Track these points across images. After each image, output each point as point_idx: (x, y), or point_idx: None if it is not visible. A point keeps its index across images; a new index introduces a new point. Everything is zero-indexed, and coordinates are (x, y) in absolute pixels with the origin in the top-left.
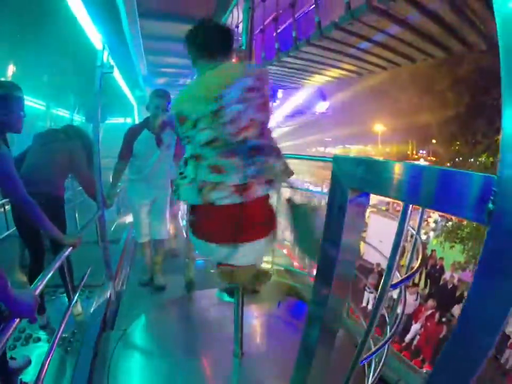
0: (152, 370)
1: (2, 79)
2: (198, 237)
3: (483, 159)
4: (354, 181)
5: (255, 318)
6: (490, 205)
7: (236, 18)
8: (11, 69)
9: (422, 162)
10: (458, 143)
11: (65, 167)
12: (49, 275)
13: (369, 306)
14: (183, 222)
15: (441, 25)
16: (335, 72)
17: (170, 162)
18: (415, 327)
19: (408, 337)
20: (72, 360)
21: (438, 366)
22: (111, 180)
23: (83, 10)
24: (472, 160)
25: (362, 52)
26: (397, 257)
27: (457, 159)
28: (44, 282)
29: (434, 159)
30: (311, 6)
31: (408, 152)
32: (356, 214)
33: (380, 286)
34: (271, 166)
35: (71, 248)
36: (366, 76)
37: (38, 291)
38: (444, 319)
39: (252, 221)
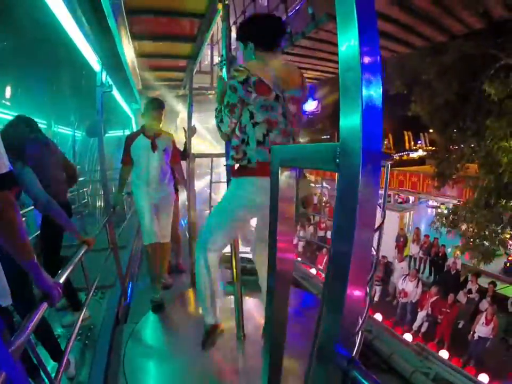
0: (163, 357)
1: (4, 101)
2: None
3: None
4: (282, 161)
5: (254, 305)
6: (337, 160)
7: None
8: (12, 91)
9: (420, 152)
10: (455, 130)
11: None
12: (69, 270)
13: (376, 298)
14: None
15: (397, 24)
16: (312, 74)
17: (167, 167)
18: (421, 314)
19: (415, 324)
20: (90, 352)
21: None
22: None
23: (80, 36)
24: (462, 146)
25: (332, 54)
26: None
27: (451, 147)
28: (65, 275)
29: (433, 148)
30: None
31: (407, 144)
32: (286, 182)
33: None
34: None
35: (86, 247)
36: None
37: (61, 280)
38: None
39: None
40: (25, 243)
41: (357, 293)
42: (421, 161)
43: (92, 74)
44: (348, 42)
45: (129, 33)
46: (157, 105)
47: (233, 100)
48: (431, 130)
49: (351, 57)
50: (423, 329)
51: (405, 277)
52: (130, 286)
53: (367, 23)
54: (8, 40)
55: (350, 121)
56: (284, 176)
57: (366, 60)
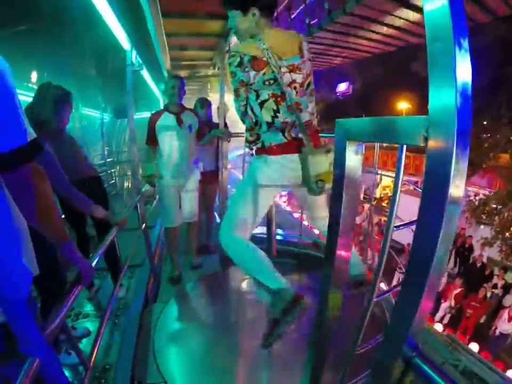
0: (191, 338)
1: (30, 84)
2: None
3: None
4: (350, 135)
5: None
6: (425, 134)
7: None
8: (38, 74)
9: None
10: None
11: None
12: (101, 251)
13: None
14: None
15: None
16: (349, 53)
17: (194, 144)
18: (444, 305)
19: (438, 315)
20: (120, 331)
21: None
22: (143, 163)
23: (110, 13)
24: (498, 136)
25: (371, 32)
26: (397, 202)
27: (483, 135)
28: (98, 256)
29: None
30: None
31: None
32: (353, 159)
33: (384, 230)
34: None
35: (117, 228)
36: (384, 55)
37: (94, 263)
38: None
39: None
40: (60, 221)
41: (434, 287)
42: None
43: (121, 56)
44: (436, 5)
45: (160, 11)
46: (172, 76)
47: (235, 85)
48: None
49: (440, 23)
50: (445, 321)
51: None
52: (159, 265)
53: None
54: (34, 20)
55: (442, 94)
56: (350, 152)
57: (457, 24)
